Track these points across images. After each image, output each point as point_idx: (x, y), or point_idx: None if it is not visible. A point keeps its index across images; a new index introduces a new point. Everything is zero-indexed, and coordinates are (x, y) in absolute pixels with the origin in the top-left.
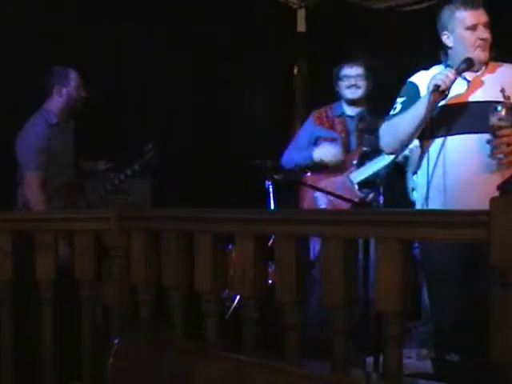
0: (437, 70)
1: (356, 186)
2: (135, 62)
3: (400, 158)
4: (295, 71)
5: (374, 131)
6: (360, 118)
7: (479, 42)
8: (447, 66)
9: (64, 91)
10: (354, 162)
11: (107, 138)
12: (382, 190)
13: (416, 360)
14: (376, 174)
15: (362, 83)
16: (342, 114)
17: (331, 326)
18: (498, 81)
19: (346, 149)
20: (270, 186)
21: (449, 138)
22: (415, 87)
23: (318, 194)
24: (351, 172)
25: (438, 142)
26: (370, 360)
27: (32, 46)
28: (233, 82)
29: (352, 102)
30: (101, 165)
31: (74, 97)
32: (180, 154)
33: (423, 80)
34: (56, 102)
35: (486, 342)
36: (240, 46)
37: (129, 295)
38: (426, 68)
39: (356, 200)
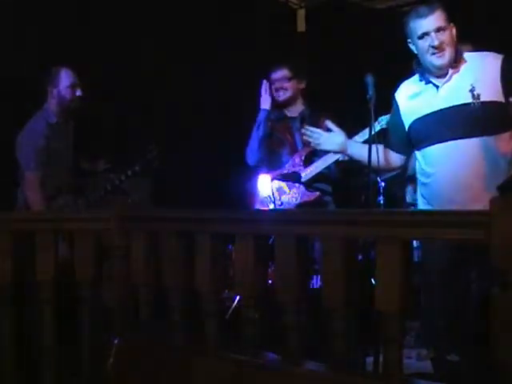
0: (416, 78)
1: (304, 185)
2: (135, 61)
3: (347, 156)
4: None
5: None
6: (302, 117)
7: (431, 49)
8: (420, 73)
9: (55, 91)
10: (301, 160)
11: (107, 138)
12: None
13: (416, 360)
14: (328, 168)
15: (288, 85)
16: (284, 117)
17: (331, 326)
18: (466, 79)
19: (293, 149)
20: None
21: (425, 149)
22: (395, 103)
23: (266, 196)
24: (300, 171)
25: (418, 154)
26: (369, 360)
27: (32, 46)
28: (233, 82)
29: (284, 104)
30: (100, 165)
31: (65, 96)
32: (180, 154)
33: (403, 92)
34: (51, 103)
35: (485, 342)
36: (240, 46)
37: (129, 295)
38: (411, 76)
39: (306, 199)
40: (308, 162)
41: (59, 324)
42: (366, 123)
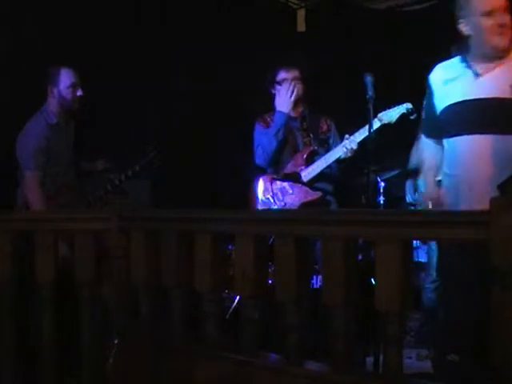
0: (454, 62)
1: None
2: (135, 62)
3: (349, 153)
4: None
5: (316, 129)
6: (302, 117)
7: (497, 28)
8: (463, 58)
9: (55, 91)
10: (303, 160)
11: (107, 139)
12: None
13: (416, 360)
14: (329, 168)
15: (300, 85)
16: None
17: (331, 325)
18: (510, 72)
19: (295, 149)
20: None
21: (451, 138)
22: (429, 87)
23: (268, 197)
24: (301, 171)
25: (445, 142)
26: (370, 360)
27: (32, 46)
28: (233, 82)
29: (295, 105)
30: (99, 165)
31: (65, 96)
32: (180, 154)
33: (439, 76)
34: (52, 103)
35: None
36: (240, 46)
37: (129, 295)
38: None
39: (310, 198)
40: (309, 161)
41: (59, 323)
42: (365, 123)
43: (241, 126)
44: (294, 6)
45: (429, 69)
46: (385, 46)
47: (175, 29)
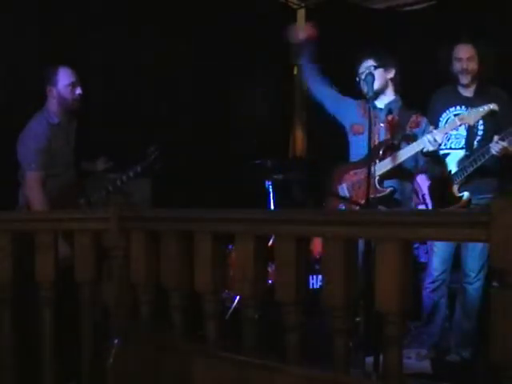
0: None
1: (377, 179)
2: (136, 62)
3: (431, 146)
4: (295, 71)
5: (403, 125)
6: (389, 110)
7: None
8: None
9: (54, 90)
10: (380, 153)
11: (108, 139)
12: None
13: (416, 360)
14: (400, 166)
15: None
16: (373, 107)
17: (331, 326)
18: None
19: (374, 141)
20: (270, 186)
21: None
22: None
23: (342, 185)
24: (374, 164)
25: None
26: (369, 360)
27: (32, 46)
28: (233, 82)
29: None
30: (100, 164)
31: (64, 95)
32: (180, 154)
33: None
34: (52, 103)
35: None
36: (240, 46)
37: (129, 295)
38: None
39: (372, 196)
40: (386, 155)
41: (59, 324)
42: None
43: (241, 125)
44: (294, 6)
45: (428, 69)
46: (385, 46)
47: (175, 30)
